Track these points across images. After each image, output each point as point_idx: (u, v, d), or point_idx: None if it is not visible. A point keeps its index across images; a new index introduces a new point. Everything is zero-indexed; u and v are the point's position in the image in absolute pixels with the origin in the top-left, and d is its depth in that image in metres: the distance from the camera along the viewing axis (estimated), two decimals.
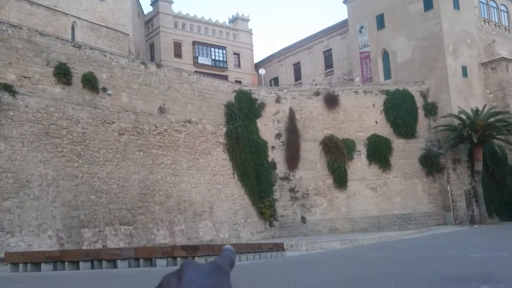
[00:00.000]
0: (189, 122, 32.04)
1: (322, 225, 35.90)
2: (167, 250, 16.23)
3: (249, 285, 11.10)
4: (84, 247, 24.10)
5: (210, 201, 31.91)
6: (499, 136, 36.66)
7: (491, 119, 36.02)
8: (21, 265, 16.28)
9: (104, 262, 15.90)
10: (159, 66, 32.07)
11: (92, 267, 16.07)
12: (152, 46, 51.63)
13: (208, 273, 0.59)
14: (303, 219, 35.76)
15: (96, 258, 16.09)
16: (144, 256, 15.89)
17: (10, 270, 16.52)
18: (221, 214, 32.32)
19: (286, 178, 36.15)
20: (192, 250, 15.68)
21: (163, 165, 29.71)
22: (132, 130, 28.67)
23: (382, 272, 12.65)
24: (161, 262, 15.71)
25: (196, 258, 15.72)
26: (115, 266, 15.68)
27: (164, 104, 30.89)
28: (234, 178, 33.88)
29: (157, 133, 29.95)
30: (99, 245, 24.92)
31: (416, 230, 32.13)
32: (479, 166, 35.50)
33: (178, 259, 15.90)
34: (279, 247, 21.70)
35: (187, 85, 32.64)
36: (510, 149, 38.76)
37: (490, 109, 36.39)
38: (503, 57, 40.55)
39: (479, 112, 35.93)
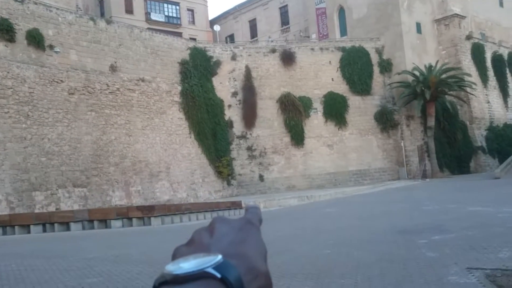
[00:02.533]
0: (143, 80, 31.14)
1: (280, 182, 36.19)
2: (122, 211, 15.91)
3: None
4: (37, 211, 23.38)
5: (166, 161, 31.48)
6: (451, 92, 37.47)
7: (444, 76, 36.68)
8: None
9: (56, 225, 15.46)
10: (109, 22, 30.76)
11: (44, 230, 15.60)
12: (101, 2, 49.43)
13: (239, 227, 0.58)
14: (261, 177, 35.91)
15: (48, 221, 15.60)
16: (98, 217, 15.52)
17: None
18: (178, 174, 32.00)
19: (243, 137, 36.00)
20: (147, 210, 15.43)
21: (116, 125, 28.93)
22: (83, 90, 27.64)
23: (337, 226, 12.78)
24: (116, 224, 15.40)
25: (152, 219, 15.49)
26: (68, 229, 15.27)
27: (115, 62, 29.80)
28: (190, 137, 33.45)
29: (109, 92, 29.00)
30: (52, 208, 24.27)
31: (371, 186, 32.85)
32: (431, 122, 36.32)
33: (134, 220, 15.63)
34: (237, 205, 21.69)
35: (139, 42, 31.54)
36: (461, 104, 39.76)
37: (443, 65, 37.01)
38: (456, 14, 41.01)
39: (432, 68, 36.47)
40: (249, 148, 35.93)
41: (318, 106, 37.05)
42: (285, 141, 36.39)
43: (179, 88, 33.44)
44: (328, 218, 15.55)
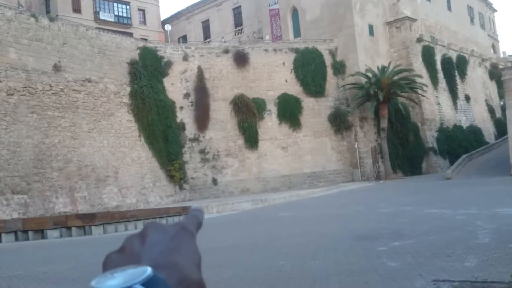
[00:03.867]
0: (89, 81, 29.64)
1: (234, 186, 35.36)
2: (60, 220, 14.70)
3: None
4: None
5: (114, 165, 30.07)
6: (403, 94, 37.70)
7: (396, 77, 36.86)
8: None
9: None
10: (52, 19, 29.12)
11: None
12: (47, 0, 47.26)
13: (172, 234, 0.56)
14: (214, 181, 34.98)
15: None
16: (33, 227, 14.24)
17: None
18: (127, 178, 30.63)
19: (196, 139, 34.97)
20: (88, 218, 14.29)
21: (60, 127, 27.34)
22: (23, 90, 25.94)
23: (292, 232, 12.08)
24: (53, 234, 14.18)
25: (93, 228, 14.35)
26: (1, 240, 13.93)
27: (59, 62, 28.19)
28: (140, 140, 32.13)
29: (52, 93, 27.38)
30: None
31: (326, 188, 32.52)
32: (384, 124, 36.40)
33: (73, 229, 14.44)
34: (188, 211, 20.70)
35: (85, 41, 30.01)
36: (412, 106, 40.12)
37: (395, 67, 37.19)
38: (407, 16, 41.43)
39: (385, 70, 36.59)
40: (202, 151, 34.93)
41: (272, 107, 36.48)
42: (238, 144, 35.60)
43: (128, 89, 32.08)
44: (282, 223, 14.86)
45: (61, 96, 27.82)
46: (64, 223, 14.39)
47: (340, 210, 17.05)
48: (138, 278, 0.47)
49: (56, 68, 27.96)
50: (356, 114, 37.44)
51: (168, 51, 34.91)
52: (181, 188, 34.07)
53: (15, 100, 25.45)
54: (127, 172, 30.74)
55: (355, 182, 35.61)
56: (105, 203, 28.71)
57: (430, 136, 41.08)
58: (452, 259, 7.26)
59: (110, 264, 0.53)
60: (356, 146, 36.81)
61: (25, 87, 26.07)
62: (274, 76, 36.90)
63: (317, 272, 7.09)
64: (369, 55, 38.99)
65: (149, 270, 0.48)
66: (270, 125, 36.37)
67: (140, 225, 16.39)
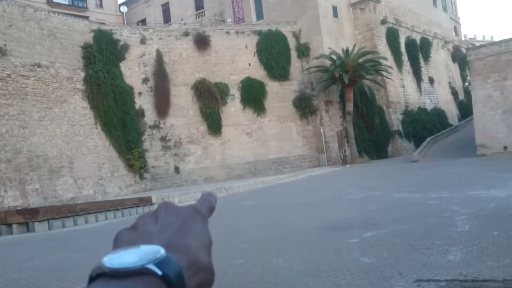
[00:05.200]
0: (39, 66, 27.77)
1: (197, 174, 34.16)
2: None
3: (95, 249, 8.84)
4: None
5: (69, 155, 28.38)
6: (368, 77, 37.09)
7: (361, 60, 36.19)
8: None
9: None
10: None
11: None
12: None
13: (185, 216, 0.56)
14: (177, 169, 33.68)
15: None
16: None
17: None
18: (83, 169, 29.00)
19: (156, 127, 33.51)
20: (30, 214, 12.92)
21: (7, 116, 25.49)
22: None
23: (255, 223, 11.07)
24: None
25: (36, 224, 13.00)
26: None
27: (5, 45, 26.21)
28: (96, 128, 30.46)
29: None
30: None
31: (291, 174, 31.69)
32: (350, 107, 35.76)
33: (14, 226, 13.05)
34: (146, 202, 19.51)
35: (33, 23, 28.05)
36: (377, 89, 39.62)
37: (360, 49, 36.48)
38: None
39: (349, 52, 35.86)
40: (163, 139, 33.53)
41: (235, 92, 35.32)
42: (201, 130, 34.34)
43: (82, 74, 30.31)
44: (245, 213, 13.84)
45: (8, 82, 25.92)
46: (3, 219, 12.98)
47: (307, 197, 16.15)
48: (151, 258, 0.46)
49: (2, 52, 26.01)
50: (321, 98, 36.68)
51: (125, 34, 33.19)
52: (141, 177, 32.63)
53: None
54: (83, 162, 29.10)
55: (322, 167, 34.94)
56: (59, 196, 27.09)
57: (395, 119, 40.75)
58: (433, 251, 6.37)
59: (122, 241, 0.52)
60: (321, 130, 36.10)
61: None
62: (237, 60, 35.69)
63: (281, 272, 6.08)
64: (334, 37, 38.17)
65: (162, 250, 0.48)
66: (233, 111, 35.23)
67: (92, 219, 15.11)
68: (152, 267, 0.46)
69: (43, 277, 7.05)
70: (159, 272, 0.46)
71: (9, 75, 26.02)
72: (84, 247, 9.80)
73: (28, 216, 12.84)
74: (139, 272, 0.45)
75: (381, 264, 5.92)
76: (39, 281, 6.82)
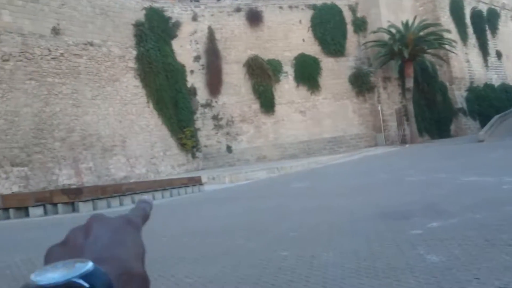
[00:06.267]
0: (91, 44, 27.77)
1: (250, 153, 33.54)
2: (44, 196, 13.04)
3: None
4: None
5: (121, 134, 28.42)
6: (430, 51, 34.93)
7: (422, 33, 34.09)
8: None
9: None
10: None
11: None
12: None
13: (117, 228, 0.57)
14: (229, 149, 33.21)
15: None
16: (14, 205, 12.64)
17: None
18: (135, 147, 29.00)
19: (208, 105, 33.08)
20: (74, 194, 12.59)
21: (61, 95, 25.66)
22: (20, 55, 24.20)
23: (305, 207, 10.18)
24: (35, 211, 12.55)
25: (80, 204, 12.67)
26: None
27: (58, 24, 26.31)
28: (148, 107, 30.36)
29: (51, 58, 25.61)
30: None
31: (347, 154, 30.46)
32: (410, 83, 33.89)
33: (60, 206, 12.78)
34: (196, 181, 18.99)
35: (85, 1, 27.98)
36: (440, 64, 37.36)
37: (421, 22, 34.34)
38: None
39: (410, 25, 33.82)
40: (215, 117, 33.07)
41: (288, 69, 34.24)
42: (254, 109, 33.60)
43: (134, 52, 30.16)
44: (296, 195, 12.95)
45: (61, 61, 26.05)
46: (48, 199, 12.74)
47: (363, 179, 15.05)
48: (78, 272, 0.46)
49: (55, 31, 26.11)
50: (379, 74, 34.95)
51: (176, 11, 32.70)
52: (193, 156, 32.39)
53: (11, 66, 23.75)
54: (135, 141, 29.10)
55: (379, 147, 33.41)
56: (112, 174, 27.21)
57: (459, 96, 38.37)
58: None
59: (52, 257, 0.52)
60: (379, 108, 34.47)
61: (22, 52, 24.33)
62: (290, 36, 34.51)
63: (331, 270, 5.17)
64: (392, 10, 36.14)
65: (90, 263, 0.48)
66: (287, 88, 34.21)
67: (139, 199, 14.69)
68: (79, 280, 0.46)
69: None
70: (86, 285, 0.46)
71: (62, 54, 26.12)
72: None
73: (72, 196, 12.54)
74: (66, 287, 0.45)
75: (453, 264, 4.90)
76: None
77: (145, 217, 0.65)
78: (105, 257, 0.51)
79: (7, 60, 23.62)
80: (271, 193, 14.52)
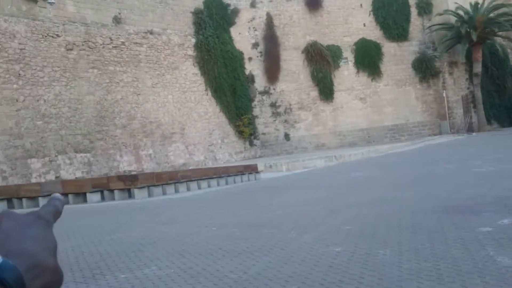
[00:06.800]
0: (151, 33, 28.12)
1: (308, 141, 33.06)
2: (101, 182, 13.24)
3: (184, 222, 8.13)
4: (34, 180, 21.20)
5: (180, 121, 28.72)
6: (501, 33, 32.88)
7: (492, 14, 32.10)
8: None
9: (25, 201, 12.95)
10: None
11: (13, 206, 13.13)
12: None
13: (28, 223, 0.58)
14: (287, 136, 32.86)
15: (15, 195, 13.11)
16: (73, 190, 12.90)
17: None
18: (194, 135, 29.25)
19: (266, 92, 32.83)
20: (130, 180, 12.69)
21: (122, 83, 26.19)
22: (83, 45, 24.85)
23: (362, 199, 9.68)
24: (93, 197, 12.75)
25: (136, 190, 12.76)
26: (38, 205, 12.74)
27: (119, 13, 26.79)
28: (207, 94, 30.49)
29: (113, 46, 26.14)
30: (51, 176, 22.01)
31: (409, 142, 29.32)
32: (478, 68, 32.10)
33: (116, 192, 12.93)
34: (252, 169, 18.80)
35: None
36: (511, 47, 35.12)
37: (491, 2, 32.32)
38: None
39: (479, 6, 31.93)
40: (273, 105, 32.77)
41: (348, 55, 33.32)
42: (312, 96, 33.01)
43: (193, 40, 30.32)
44: (353, 186, 12.43)
45: (122, 50, 26.55)
46: (105, 185, 12.93)
47: (425, 169, 14.28)
48: None
49: (116, 20, 26.61)
50: (445, 59, 33.35)
51: None
52: (251, 144, 32.31)
53: (75, 55, 24.43)
54: (194, 129, 29.34)
55: (443, 135, 31.96)
56: (171, 161, 27.59)
57: None
58: None
59: None
60: (444, 95, 32.93)
61: (85, 41, 24.96)
62: (350, 20, 33.54)
63: (387, 270, 4.73)
64: None
65: None
66: (346, 75, 33.33)
67: (194, 186, 14.68)
68: None
69: (118, 253, 6.40)
70: None
71: (123, 43, 26.60)
72: (174, 219, 9.16)
73: (128, 183, 12.65)
74: None
75: None
76: (111, 257, 6.17)
77: (57, 214, 0.63)
78: (15, 251, 0.51)
79: (71, 49, 24.29)
80: (328, 182, 14.06)
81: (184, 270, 5.26)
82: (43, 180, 21.21)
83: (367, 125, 33.15)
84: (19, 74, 22.08)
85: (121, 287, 4.84)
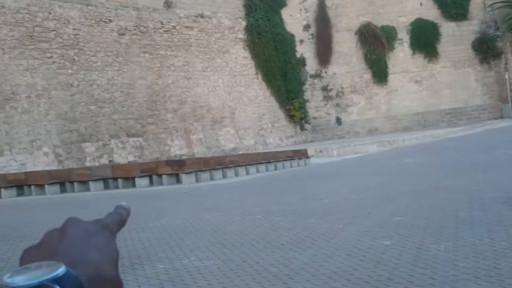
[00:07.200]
0: (202, 16, 28.05)
1: (360, 125, 32.26)
2: (149, 167, 13.30)
3: (228, 209, 7.95)
4: (88, 163, 21.75)
5: (230, 105, 28.66)
6: None
7: None
8: None
9: (76, 185, 13.19)
10: None
11: (65, 190, 13.43)
12: None
13: (92, 232, 0.58)
14: (338, 120, 32.19)
15: (67, 179, 13.39)
16: (122, 175, 13.02)
17: None
18: (244, 119, 29.13)
19: (317, 76, 32.20)
20: (177, 165, 12.67)
21: (173, 67, 26.32)
22: (134, 29, 25.09)
23: (415, 187, 9.18)
24: (141, 182, 12.83)
25: (183, 176, 12.73)
26: (88, 189, 12.96)
27: None
28: (257, 78, 30.23)
29: (164, 31, 26.28)
30: (104, 160, 22.50)
31: (468, 126, 28.04)
32: None
33: (164, 177, 12.96)
34: (302, 154, 18.44)
35: None
36: None
37: None
38: None
39: None
40: (325, 88, 32.12)
41: (404, 36, 32.08)
42: (365, 79, 32.09)
43: (244, 23, 30.05)
44: (406, 172, 11.89)
45: (173, 34, 26.65)
46: (154, 170, 12.99)
47: (485, 156, 13.49)
48: (50, 274, 0.47)
49: (167, 4, 26.69)
50: (508, 39, 31.52)
51: None
52: (302, 128, 31.89)
53: (127, 40, 24.70)
54: (244, 113, 29.21)
55: (505, 119, 30.35)
56: (221, 146, 27.62)
57: None
58: None
59: (27, 259, 0.54)
60: (506, 76, 31.22)
61: (136, 26, 25.19)
62: (406, 0, 32.21)
63: (441, 269, 4.34)
64: None
65: (62, 266, 0.49)
66: (401, 56, 32.16)
67: (242, 172, 14.53)
68: (51, 283, 0.47)
69: (159, 241, 6.29)
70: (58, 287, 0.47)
71: (174, 27, 26.68)
72: (218, 205, 9.01)
73: (175, 168, 12.64)
74: None
75: None
76: (152, 246, 6.08)
77: (121, 223, 0.63)
78: (79, 261, 0.52)
79: (123, 34, 24.58)
80: (380, 169, 13.54)
81: (224, 262, 5.06)
82: (96, 164, 21.73)
83: (423, 109, 31.94)
84: (74, 60, 22.56)
85: (158, 279, 4.70)
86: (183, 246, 5.92)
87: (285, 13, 31.63)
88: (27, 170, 18.92)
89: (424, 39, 31.64)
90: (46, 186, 13.05)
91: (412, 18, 31.96)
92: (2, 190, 13.21)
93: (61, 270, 0.48)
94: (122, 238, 6.67)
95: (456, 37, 31.96)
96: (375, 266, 4.54)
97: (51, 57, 21.82)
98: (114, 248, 0.58)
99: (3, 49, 20.40)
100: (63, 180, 13.41)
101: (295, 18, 31.79)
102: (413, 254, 4.82)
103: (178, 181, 12.98)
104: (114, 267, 0.55)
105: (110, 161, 22.62)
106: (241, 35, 29.86)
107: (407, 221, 6.30)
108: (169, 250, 5.75)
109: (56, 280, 0.47)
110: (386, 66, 31.98)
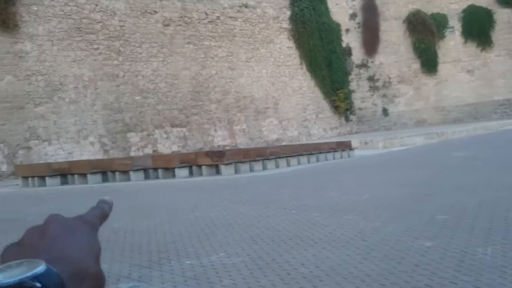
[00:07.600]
0: (246, 6, 27.84)
1: (408, 117, 31.33)
2: (189, 157, 13.25)
3: (264, 202, 7.74)
4: (132, 153, 22.09)
5: (274, 96, 28.38)
6: None
7: None
8: (30, 179, 14.18)
9: (117, 174, 13.32)
10: None
11: (107, 179, 13.58)
12: None
13: (74, 228, 0.58)
14: (385, 111, 31.37)
15: (109, 169, 13.53)
16: (161, 165, 13.04)
17: (21, 185, 14.54)
18: (288, 110, 28.81)
19: (363, 65, 31.45)
20: (217, 156, 12.56)
21: (217, 58, 26.27)
22: (179, 20, 25.18)
23: (461, 182, 8.68)
24: (181, 173, 12.80)
25: (222, 167, 12.60)
26: (129, 178, 13.05)
27: None
28: (301, 68, 29.80)
29: (208, 21, 26.24)
30: (148, 150, 22.79)
31: None
32: None
33: (204, 168, 12.88)
34: (345, 146, 18.00)
35: None
36: None
37: None
38: None
39: None
40: (371, 78, 31.34)
41: (455, 24, 30.81)
42: (413, 68, 31.08)
43: (288, 12, 29.64)
44: (454, 167, 11.32)
45: (217, 24, 26.58)
46: (193, 161, 12.93)
47: None
48: (30, 272, 0.47)
49: None
50: None
51: None
52: (347, 119, 31.27)
53: (171, 31, 24.82)
54: (288, 103, 28.88)
55: None
56: (264, 136, 27.44)
57: None
58: None
59: (8, 257, 0.53)
60: None
61: (181, 17, 25.26)
62: None
63: (487, 276, 3.97)
64: None
65: (43, 263, 0.49)
66: (452, 45, 30.93)
67: (283, 163, 14.29)
68: (31, 280, 0.47)
69: (190, 235, 6.16)
70: (38, 285, 0.47)
71: (218, 17, 26.61)
72: (255, 198, 8.81)
73: (215, 159, 12.53)
74: (18, 287, 0.47)
75: None
76: (182, 240, 5.95)
77: (103, 217, 0.64)
78: (59, 257, 0.52)
79: (168, 25, 24.70)
80: (426, 162, 12.98)
81: (253, 259, 4.85)
82: (141, 154, 22.01)
83: (475, 99, 30.64)
84: (119, 51, 22.87)
85: (184, 275, 4.55)
86: (214, 241, 5.75)
87: (330, 2, 30.99)
88: (74, 159, 19.38)
89: (477, 26, 30.28)
90: (89, 176, 13.23)
91: (464, 5, 30.64)
92: (47, 178, 13.47)
93: (41, 267, 0.48)
94: (152, 231, 6.59)
95: (511, 24, 30.41)
96: (413, 270, 4.21)
97: (98, 48, 22.18)
98: (96, 243, 0.58)
99: (52, 41, 20.89)
100: (105, 169, 13.57)
101: (341, 7, 31.11)
102: (456, 258, 4.46)
103: (218, 172, 12.87)
104: (95, 263, 0.55)
105: (154, 151, 22.87)
106: (286, 24, 29.47)
107: (451, 221, 5.89)
108: (199, 245, 5.60)
109: (37, 277, 0.47)
110: (435, 55, 30.86)
